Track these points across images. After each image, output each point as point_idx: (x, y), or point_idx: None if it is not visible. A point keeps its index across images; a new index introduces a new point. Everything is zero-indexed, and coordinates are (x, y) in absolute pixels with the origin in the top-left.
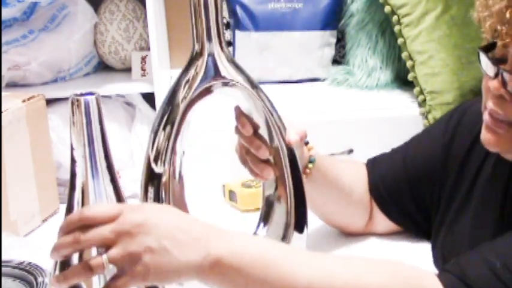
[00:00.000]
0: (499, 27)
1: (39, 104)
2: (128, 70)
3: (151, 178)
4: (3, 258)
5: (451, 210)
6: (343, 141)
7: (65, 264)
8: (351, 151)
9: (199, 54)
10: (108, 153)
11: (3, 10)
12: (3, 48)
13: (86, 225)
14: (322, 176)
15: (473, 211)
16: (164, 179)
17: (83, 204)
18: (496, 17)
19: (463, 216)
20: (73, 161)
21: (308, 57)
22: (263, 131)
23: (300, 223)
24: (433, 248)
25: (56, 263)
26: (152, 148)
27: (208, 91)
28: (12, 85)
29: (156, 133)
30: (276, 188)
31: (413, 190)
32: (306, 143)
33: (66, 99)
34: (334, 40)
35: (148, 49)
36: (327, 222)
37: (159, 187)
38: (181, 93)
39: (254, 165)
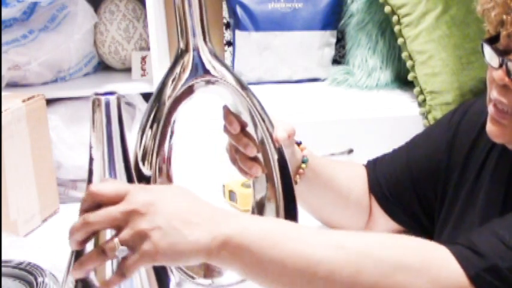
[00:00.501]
0: (504, 17)
1: (39, 104)
2: (127, 70)
3: (139, 177)
4: (3, 258)
5: (456, 207)
6: (343, 141)
7: (79, 257)
8: (351, 151)
9: (185, 51)
10: (126, 153)
11: (3, 10)
12: (3, 48)
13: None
14: (316, 176)
15: (480, 206)
16: (151, 177)
17: None
18: (501, 8)
19: (469, 212)
20: (91, 159)
21: (308, 57)
22: (250, 128)
23: (290, 220)
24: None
25: (72, 257)
26: (140, 147)
27: (193, 89)
28: (12, 85)
29: (143, 132)
30: (267, 190)
31: (417, 189)
32: (299, 144)
33: (66, 99)
34: (334, 40)
35: (148, 49)
36: (325, 224)
37: None
38: (167, 91)
39: (243, 163)
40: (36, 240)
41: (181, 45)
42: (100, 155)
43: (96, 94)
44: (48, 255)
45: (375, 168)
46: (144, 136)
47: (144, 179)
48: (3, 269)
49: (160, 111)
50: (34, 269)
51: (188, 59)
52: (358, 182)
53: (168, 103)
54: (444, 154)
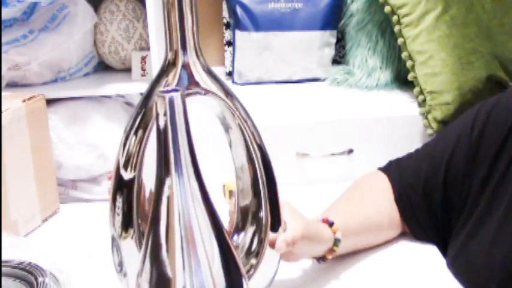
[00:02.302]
0: None
1: (39, 104)
2: (127, 70)
3: (120, 186)
4: (3, 258)
5: (478, 208)
6: (343, 141)
7: None
8: (351, 151)
9: (173, 64)
10: (192, 149)
11: (3, 10)
12: (3, 48)
13: None
14: (349, 241)
15: (502, 210)
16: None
17: (169, 197)
18: None
19: (490, 216)
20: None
21: (308, 57)
22: (238, 140)
23: (276, 226)
24: (453, 247)
25: None
26: (123, 153)
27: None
28: (12, 85)
29: (126, 138)
30: (252, 198)
31: (445, 198)
32: (331, 224)
33: (66, 99)
34: (334, 40)
35: (148, 49)
36: None
37: (128, 195)
38: (153, 100)
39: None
40: (36, 240)
41: (169, 57)
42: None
43: (161, 91)
44: (48, 255)
45: (401, 179)
46: (128, 142)
47: (124, 185)
48: (3, 269)
49: (146, 116)
50: (34, 269)
51: (175, 73)
52: (387, 205)
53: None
54: (469, 158)
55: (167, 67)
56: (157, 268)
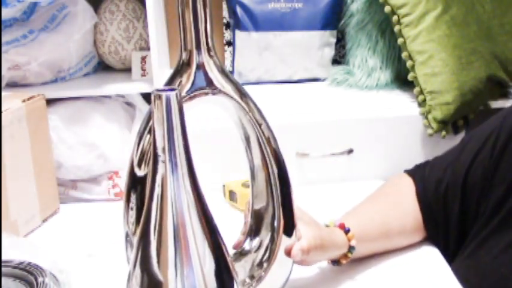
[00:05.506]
0: None
1: (39, 104)
2: (128, 70)
3: (134, 183)
4: (3, 258)
5: (494, 220)
6: (343, 141)
7: None
8: (350, 151)
9: (187, 64)
10: (187, 149)
11: (3, 10)
12: (3, 48)
13: None
14: (365, 248)
15: None
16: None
17: (162, 196)
18: None
19: (508, 230)
20: (155, 154)
21: (308, 57)
22: (253, 142)
23: (289, 229)
24: (461, 257)
25: None
26: (137, 152)
27: (195, 98)
28: (12, 85)
29: (141, 137)
30: (267, 200)
31: (463, 208)
32: (347, 231)
33: (66, 99)
34: (334, 40)
35: (149, 49)
36: None
37: (142, 192)
38: None
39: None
40: (36, 240)
41: (184, 57)
42: (161, 149)
43: (157, 90)
44: (48, 255)
45: (424, 187)
46: (142, 142)
47: (138, 181)
48: (3, 269)
49: None
50: (34, 269)
51: (190, 73)
52: (412, 210)
53: None
54: (487, 176)
55: (181, 67)
56: (148, 272)
